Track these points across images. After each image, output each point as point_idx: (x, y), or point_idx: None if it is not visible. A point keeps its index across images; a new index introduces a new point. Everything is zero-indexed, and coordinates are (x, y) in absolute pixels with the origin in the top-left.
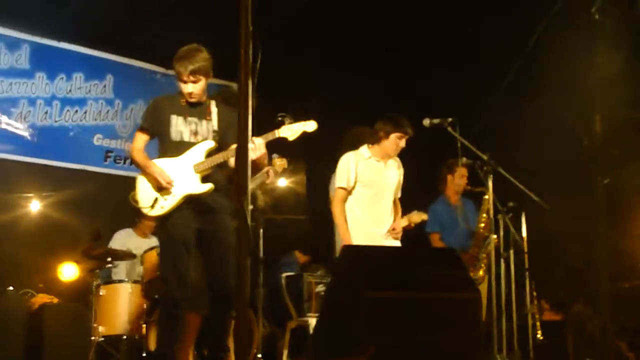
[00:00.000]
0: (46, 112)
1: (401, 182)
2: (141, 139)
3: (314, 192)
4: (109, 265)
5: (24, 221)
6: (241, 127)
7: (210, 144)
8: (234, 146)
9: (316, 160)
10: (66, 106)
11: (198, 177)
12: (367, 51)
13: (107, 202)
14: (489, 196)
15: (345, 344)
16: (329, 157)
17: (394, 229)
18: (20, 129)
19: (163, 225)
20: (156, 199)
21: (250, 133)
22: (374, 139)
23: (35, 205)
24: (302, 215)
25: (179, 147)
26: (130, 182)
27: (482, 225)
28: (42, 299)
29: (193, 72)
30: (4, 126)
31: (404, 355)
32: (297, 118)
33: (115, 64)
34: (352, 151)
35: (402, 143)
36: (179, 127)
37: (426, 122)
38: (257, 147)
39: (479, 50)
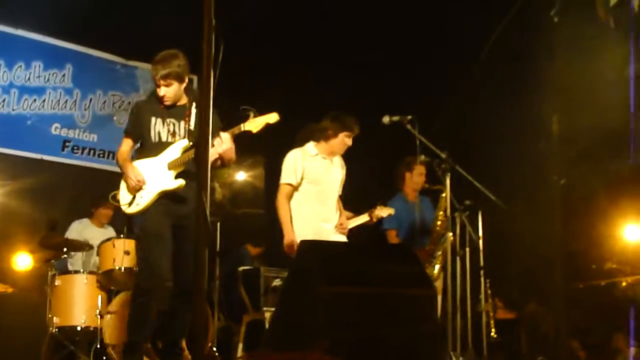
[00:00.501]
0: (4, 100)
1: (344, 180)
2: (126, 143)
3: (272, 186)
4: (65, 255)
5: None
6: (202, 121)
7: (185, 142)
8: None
9: (275, 154)
10: (24, 95)
11: (172, 173)
12: (329, 46)
13: (64, 192)
14: (446, 194)
15: (301, 337)
16: (287, 151)
17: (341, 224)
18: None
19: (140, 220)
20: (134, 197)
21: (211, 127)
22: (320, 136)
23: None
24: (260, 209)
25: (157, 148)
26: (87, 172)
27: (439, 222)
28: None
29: (164, 77)
30: None
31: (360, 350)
32: (260, 111)
33: (75, 53)
34: (298, 148)
35: (349, 141)
36: (158, 128)
37: (386, 119)
38: (223, 141)
39: (440, 49)
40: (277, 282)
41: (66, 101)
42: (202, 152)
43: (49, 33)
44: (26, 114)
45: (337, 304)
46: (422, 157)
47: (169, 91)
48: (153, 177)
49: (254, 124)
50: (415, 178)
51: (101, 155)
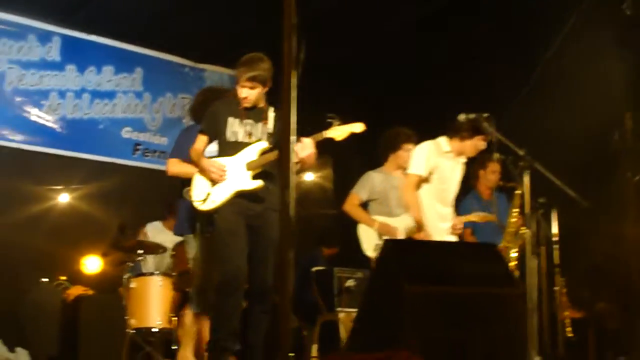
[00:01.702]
0: (76, 105)
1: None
2: (200, 140)
3: (341, 187)
4: (140, 258)
5: (52, 213)
6: (284, 121)
7: (264, 144)
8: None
9: (343, 155)
10: (96, 99)
11: (250, 174)
12: (397, 48)
13: (135, 195)
14: (523, 192)
15: (385, 338)
16: (355, 153)
17: (455, 225)
18: (50, 121)
19: (214, 218)
20: (208, 194)
21: (294, 128)
22: (455, 135)
23: (64, 198)
24: (330, 210)
25: (234, 147)
26: (158, 175)
27: (514, 220)
28: (77, 290)
29: (250, 79)
30: (34, 118)
31: (445, 351)
32: (345, 120)
33: (145, 57)
34: (431, 141)
35: (483, 145)
36: (235, 128)
37: (462, 117)
38: (305, 146)
39: (509, 47)
40: (350, 283)
41: (136, 104)
42: (284, 153)
43: (120, 37)
44: (98, 118)
45: (422, 304)
46: (497, 155)
47: (252, 94)
48: (230, 177)
49: (338, 132)
50: (489, 176)
51: None
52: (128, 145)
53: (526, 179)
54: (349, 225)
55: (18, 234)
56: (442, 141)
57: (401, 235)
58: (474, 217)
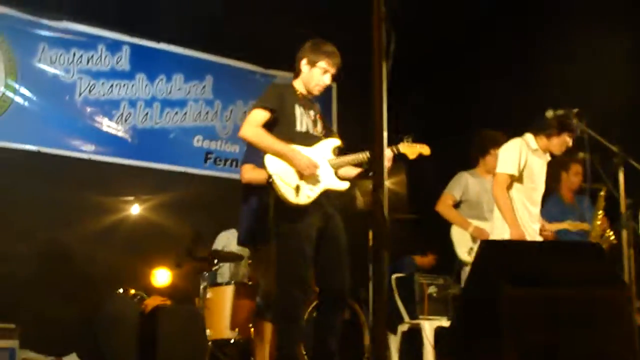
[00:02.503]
0: (147, 114)
1: None
2: (262, 117)
3: (416, 192)
4: (216, 267)
5: (124, 225)
6: (376, 116)
7: (337, 142)
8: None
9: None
10: (166, 108)
11: (333, 172)
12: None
13: (206, 204)
14: (610, 193)
15: (484, 343)
16: (428, 159)
17: (543, 226)
18: (121, 130)
19: (289, 220)
20: (298, 187)
21: (386, 123)
22: (541, 132)
23: (135, 209)
24: (406, 215)
25: (304, 139)
26: (230, 184)
27: (598, 222)
28: (155, 301)
29: (338, 69)
30: (105, 129)
31: (548, 356)
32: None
33: (214, 64)
34: (519, 138)
35: (570, 142)
36: (303, 118)
37: (549, 113)
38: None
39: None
40: (432, 290)
41: (207, 112)
42: (377, 151)
43: (189, 45)
44: (168, 127)
45: (522, 307)
46: (582, 154)
47: (328, 84)
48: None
49: (411, 150)
50: (572, 178)
51: None
52: (199, 154)
53: (621, 177)
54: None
55: (89, 246)
56: (530, 138)
57: None
58: (567, 225)
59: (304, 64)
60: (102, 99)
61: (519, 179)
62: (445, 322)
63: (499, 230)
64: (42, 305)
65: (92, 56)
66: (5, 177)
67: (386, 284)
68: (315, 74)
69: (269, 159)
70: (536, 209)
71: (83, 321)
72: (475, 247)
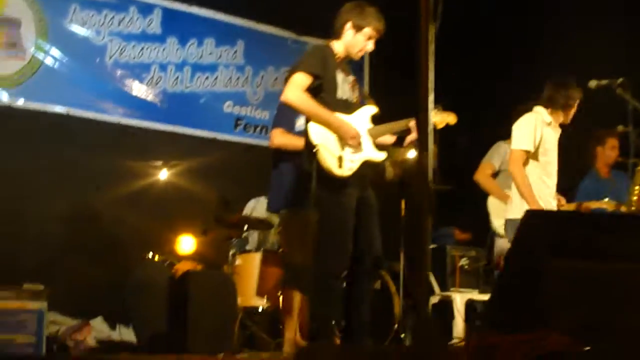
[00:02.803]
0: (177, 78)
1: None
2: (306, 81)
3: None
4: (245, 233)
5: (152, 189)
6: (422, 80)
7: (374, 109)
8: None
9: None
10: (197, 72)
11: (372, 142)
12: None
13: (236, 171)
14: None
15: (527, 317)
16: (460, 131)
17: (560, 201)
18: (151, 94)
19: (332, 192)
20: (340, 157)
21: (432, 86)
22: (555, 104)
23: (163, 174)
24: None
25: (345, 106)
26: (259, 151)
27: (635, 198)
28: (185, 265)
29: (381, 34)
30: (135, 92)
31: (594, 332)
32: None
33: (246, 29)
34: (532, 112)
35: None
36: (344, 84)
37: (592, 83)
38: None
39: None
40: (464, 262)
41: (238, 78)
42: (423, 114)
43: (221, 9)
44: (199, 92)
45: (569, 280)
46: (620, 128)
47: (371, 50)
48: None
49: (439, 118)
50: (607, 152)
51: None
52: (229, 119)
53: None
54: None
55: (117, 210)
56: (542, 112)
57: None
58: (605, 204)
59: (348, 28)
60: (132, 62)
61: (534, 154)
62: (476, 295)
63: (517, 208)
64: (70, 268)
65: (124, 18)
66: (35, 139)
67: (429, 250)
68: (360, 40)
69: (312, 127)
70: (553, 182)
71: (110, 285)
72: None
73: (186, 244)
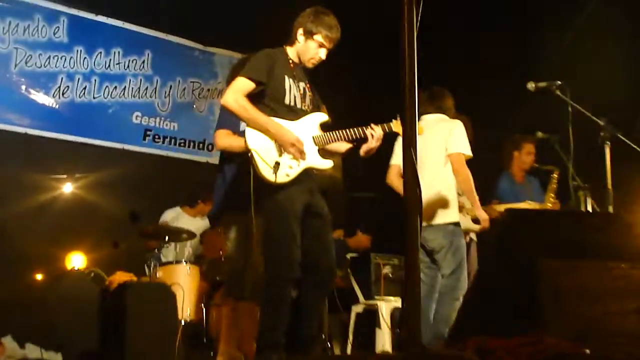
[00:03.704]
0: (84, 88)
1: None
2: (247, 87)
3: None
4: (166, 244)
5: (58, 202)
6: (408, 76)
7: (324, 117)
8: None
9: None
10: (105, 82)
11: (317, 150)
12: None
13: (145, 182)
14: (606, 168)
15: (517, 319)
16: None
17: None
18: (58, 104)
19: (273, 196)
20: (277, 164)
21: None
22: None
23: (68, 187)
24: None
25: (289, 112)
26: (169, 162)
27: (550, 205)
28: (120, 276)
29: (335, 43)
30: (41, 102)
31: (587, 331)
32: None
33: (154, 39)
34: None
35: None
36: (293, 90)
37: (531, 85)
38: (376, 136)
39: None
40: (387, 270)
41: (146, 88)
42: (409, 110)
43: (128, 19)
44: (107, 102)
45: (559, 280)
46: (539, 134)
47: (323, 59)
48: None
49: (400, 128)
50: (524, 157)
51: (182, 145)
52: (138, 130)
53: (607, 153)
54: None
55: (21, 224)
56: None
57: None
58: (526, 205)
59: (300, 34)
60: (38, 71)
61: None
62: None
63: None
64: None
65: (29, 26)
66: None
67: (418, 258)
68: (311, 47)
69: (249, 133)
70: None
71: (14, 301)
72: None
73: (76, 261)
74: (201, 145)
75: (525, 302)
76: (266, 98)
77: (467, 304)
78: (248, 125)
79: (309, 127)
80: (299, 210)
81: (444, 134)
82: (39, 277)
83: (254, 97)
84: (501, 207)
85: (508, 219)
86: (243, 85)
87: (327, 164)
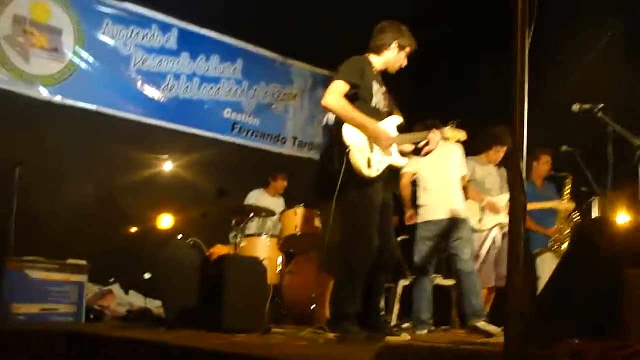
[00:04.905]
0: (187, 87)
1: None
2: (344, 89)
3: None
4: (250, 219)
5: (159, 179)
6: (519, 82)
7: (400, 119)
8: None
9: None
10: (204, 83)
11: (396, 149)
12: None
13: (230, 166)
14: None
15: (596, 326)
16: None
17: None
18: (165, 99)
19: (363, 188)
20: (370, 159)
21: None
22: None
23: (168, 166)
24: None
25: (376, 114)
26: (250, 150)
27: (565, 200)
28: (220, 249)
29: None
30: (151, 96)
31: None
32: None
33: (245, 50)
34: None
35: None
36: (378, 94)
37: (576, 107)
38: (433, 140)
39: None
40: None
41: (236, 90)
42: (518, 114)
43: (225, 32)
44: (204, 99)
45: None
46: (564, 148)
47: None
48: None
49: (453, 134)
50: (541, 167)
51: (261, 137)
52: (228, 123)
53: None
54: None
55: (131, 193)
56: None
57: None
58: (540, 205)
59: (394, 47)
60: (152, 71)
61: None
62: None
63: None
64: (91, 239)
65: (147, 34)
66: (69, 131)
67: (522, 249)
68: (402, 57)
69: (347, 130)
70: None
71: (125, 256)
72: (485, 217)
73: (166, 221)
74: (277, 138)
75: (607, 312)
76: (359, 99)
77: (546, 311)
78: (347, 123)
79: (390, 128)
80: (380, 203)
81: None
82: (133, 230)
83: (348, 99)
84: (545, 205)
85: (582, 227)
86: (341, 87)
87: (404, 162)
